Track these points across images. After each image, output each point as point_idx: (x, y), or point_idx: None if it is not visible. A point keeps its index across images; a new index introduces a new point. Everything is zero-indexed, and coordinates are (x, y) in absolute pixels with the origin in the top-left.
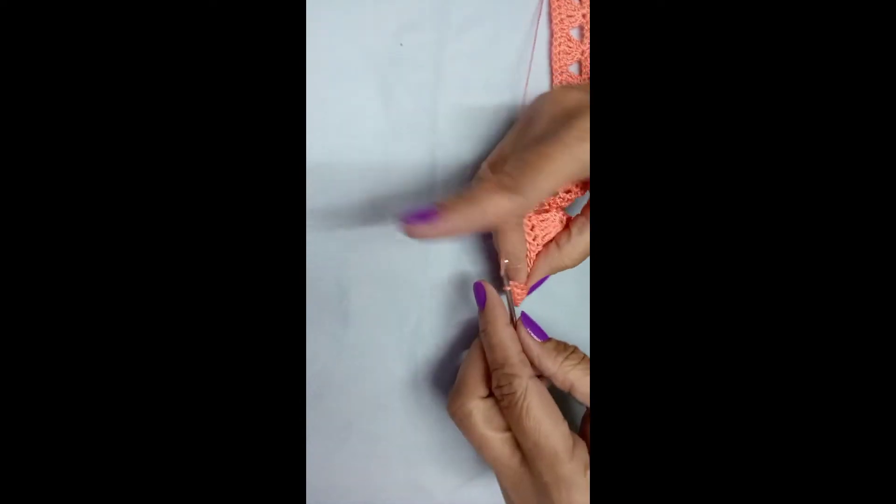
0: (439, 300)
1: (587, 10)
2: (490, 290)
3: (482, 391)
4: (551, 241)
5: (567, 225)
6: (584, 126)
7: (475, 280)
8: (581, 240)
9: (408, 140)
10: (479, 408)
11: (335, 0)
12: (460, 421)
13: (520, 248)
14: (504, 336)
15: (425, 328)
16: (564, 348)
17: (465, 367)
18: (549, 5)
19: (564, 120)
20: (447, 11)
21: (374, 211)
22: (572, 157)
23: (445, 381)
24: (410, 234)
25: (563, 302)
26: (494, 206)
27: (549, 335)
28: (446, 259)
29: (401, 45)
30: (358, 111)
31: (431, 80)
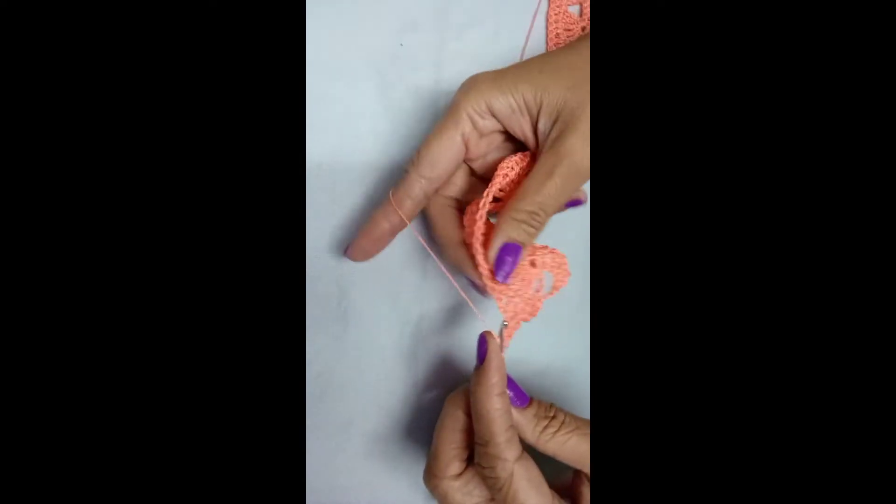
0: (439, 300)
1: (587, 23)
2: (493, 347)
3: (456, 468)
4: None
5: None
6: (454, 100)
7: (472, 286)
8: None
9: (408, 140)
10: (454, 487)
11: (335, 0)
12: (439, 499)
13: (452, 233)
14: (493, 408)
15: (425, 328)
16: (545, 414)
17: (437, 441)
18: (547, 19)
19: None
20: (447, 11)
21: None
22: (447, 119)
23: (445, 381)
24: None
25: (562, 304)
26: (391, 211)
27: (548, 338)
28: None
29: (401, 44)
30: (358, 111)
31: (431, 80)
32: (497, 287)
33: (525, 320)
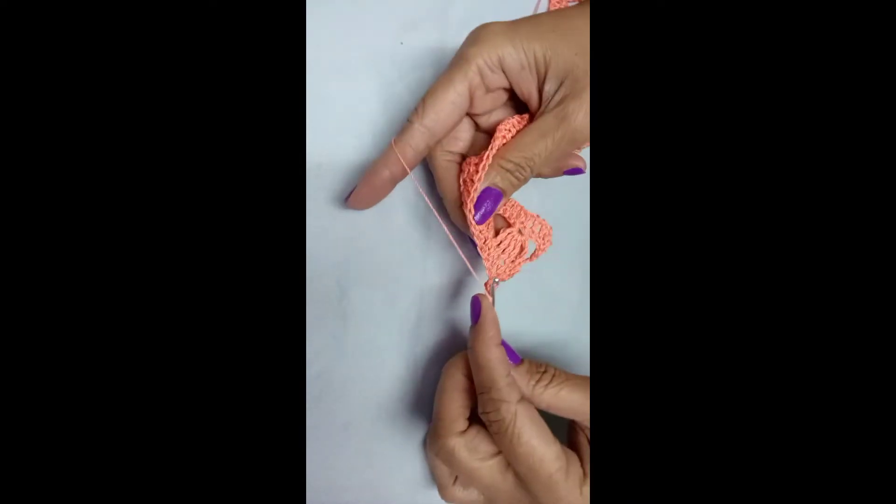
0: (438, 300)
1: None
2: (487, 305)
3: (461, 425)
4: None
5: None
6: (463, 50)
7: (471, 282)
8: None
9: None
10: (460, 444)
11: (335, 0)
12: (445, 459)
13: (456, 191)
14: (492, 357)
15: (425, 328)
16: (536, 370)
17: (440, 403)
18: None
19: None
20: (447, 11)
21: (373, 211)
22: (455, 69)
23: None
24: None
25: (563, 301)
26: (393, 160)
27: (549, 334)
28: (445, 259)
29: (401, 43)
30: (358, 111)
31: (431, 80)
32: (484, 244)
33: (503, 280)
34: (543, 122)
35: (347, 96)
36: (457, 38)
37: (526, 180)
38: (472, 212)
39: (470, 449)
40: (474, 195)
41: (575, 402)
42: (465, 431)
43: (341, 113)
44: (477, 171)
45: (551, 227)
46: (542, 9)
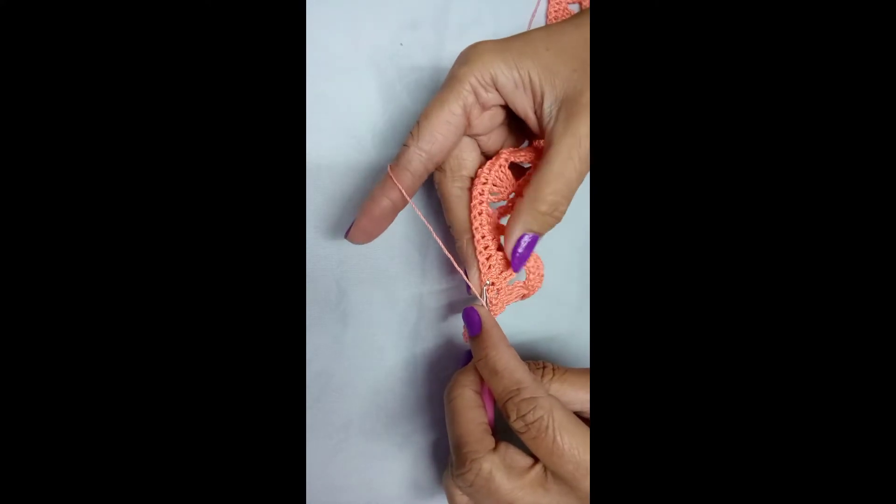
0: (438, 300)
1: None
2: (485, 313)
3: (490, 442)
4: (517, 196)
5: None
6: (454, 70)
7: (466, 290)
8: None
9: None
10: (496, 463)
11: (335, 0)
12: (483, 485)
13: (463, 219)
14: (510, 359)
15: (424, 328)
16: (535, 367)
17: (458, 427)
18: (547, 17)
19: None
20: (447, 12)
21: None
22: (448, 90)
23: (444, 380)
24: (350, 240)
25: (563, 302)
26: (390, 186)
27: (549, 335)
28: (444, 259)
29: (401, 44)
30: (357, 111)
31: (431, 80)
32: (500, 290)
33: (501, 311)
34: (563, 146)
35: (347, 96)
36: (456, 40)
37: (562, 215)
38: (507, 260)
39: (506, 469)
40: (510, 247)
41: (577, 395)
42: (495, 449)
43: (341, 113)
44: (498, 232)
45: (542, 262)
46: (541, 11)
